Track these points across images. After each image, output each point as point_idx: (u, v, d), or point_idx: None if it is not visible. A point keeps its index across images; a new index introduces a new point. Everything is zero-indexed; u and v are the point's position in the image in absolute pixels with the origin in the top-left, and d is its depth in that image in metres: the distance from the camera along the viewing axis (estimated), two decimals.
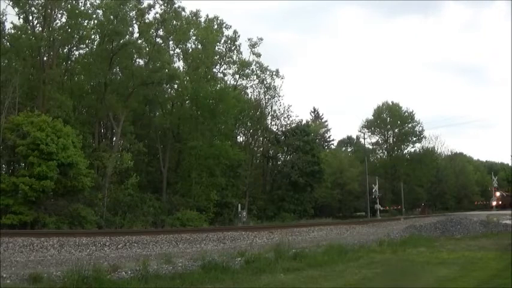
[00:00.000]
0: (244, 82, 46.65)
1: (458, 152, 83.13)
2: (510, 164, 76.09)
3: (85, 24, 33.15)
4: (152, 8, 34.63)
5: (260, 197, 46.49)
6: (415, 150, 67.87)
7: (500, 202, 71.74)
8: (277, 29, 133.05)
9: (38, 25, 31.03)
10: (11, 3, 29.78)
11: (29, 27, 30.92)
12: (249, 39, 45.02)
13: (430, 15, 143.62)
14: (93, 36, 34.48)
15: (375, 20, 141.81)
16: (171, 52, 39.34)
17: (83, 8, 32.95)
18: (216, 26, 42.16)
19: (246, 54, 45.52)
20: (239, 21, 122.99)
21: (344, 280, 9.54)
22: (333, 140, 75.30)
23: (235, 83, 45.41)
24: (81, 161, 25.30)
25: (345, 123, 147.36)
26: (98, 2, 33.18)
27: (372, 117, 67.46)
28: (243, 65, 44.36)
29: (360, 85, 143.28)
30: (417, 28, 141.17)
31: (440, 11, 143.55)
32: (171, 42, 39.00)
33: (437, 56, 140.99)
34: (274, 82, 47.91)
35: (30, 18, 30.80)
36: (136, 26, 34.79)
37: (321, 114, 73.94)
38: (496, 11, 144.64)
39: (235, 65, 44.20)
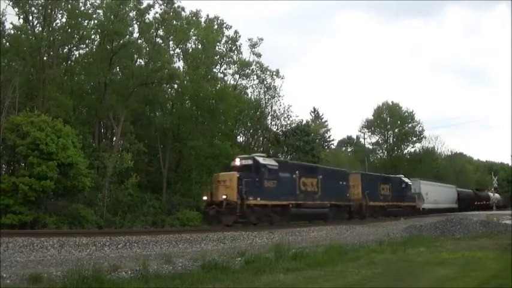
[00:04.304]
0: (244, 82, 46.80)
1: (458, 152, 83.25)
2: (510, 164, 75.90)
3: (85, 24, 33.18)
4: (152, 8, 34.73)
5: None
6: (415, 150, 68.07)
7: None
8: (279, 31, 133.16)
9: (38, 25, 31.04)
10: (11, 3, 29.82)
11: (29, 27, 30.93)
12: (249, 39, 45.17)
13: (432, 18, 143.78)
14: (93, 36, 34.54)
15: (376, 22, 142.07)
16: (171, 52, 39.39)
17: (83, 8, 33.03)
18: (216, 26, 42.20)
19: (247, 55, 45.69)
20: (241, 24, 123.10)
21: (344, 280, 9.52)
22: (333, 140, 75.31)
23: (235, 83, 45.54)
24: (81, 161, 25.26)
25: (345, 123, 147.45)
26: (98, 2, 33.27)
27: (372, 117, 67.64)
28: (243, 65, 44.41)
29: (360, 85, 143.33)
30: (418, 30, 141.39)
31: (442, 14, 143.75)
32: (171, 42, 39.04)
33: (438, 57, 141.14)
34: (274, 82, 48.07)
35: (30, 18, 30.82)
36: (136, 26, 34.90)
37: (321, 114, 73.95)
38: (496, 14, 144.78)
39: (235, 65, 44.27)
